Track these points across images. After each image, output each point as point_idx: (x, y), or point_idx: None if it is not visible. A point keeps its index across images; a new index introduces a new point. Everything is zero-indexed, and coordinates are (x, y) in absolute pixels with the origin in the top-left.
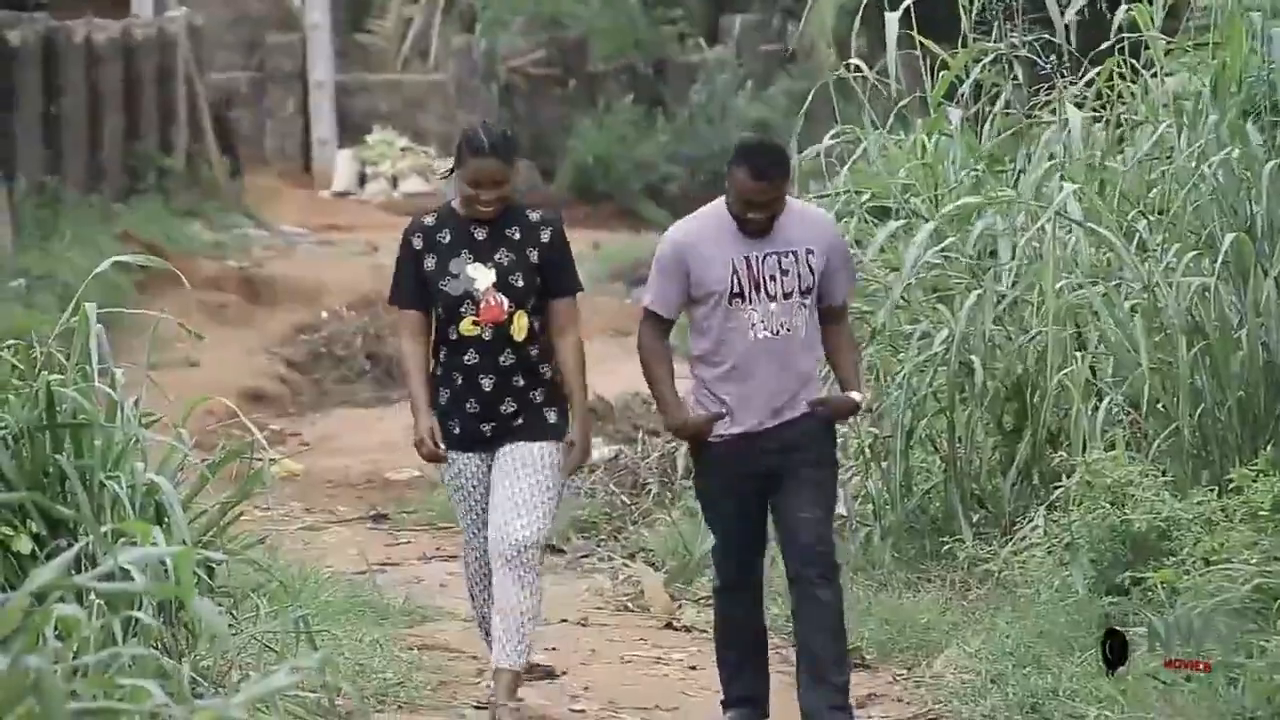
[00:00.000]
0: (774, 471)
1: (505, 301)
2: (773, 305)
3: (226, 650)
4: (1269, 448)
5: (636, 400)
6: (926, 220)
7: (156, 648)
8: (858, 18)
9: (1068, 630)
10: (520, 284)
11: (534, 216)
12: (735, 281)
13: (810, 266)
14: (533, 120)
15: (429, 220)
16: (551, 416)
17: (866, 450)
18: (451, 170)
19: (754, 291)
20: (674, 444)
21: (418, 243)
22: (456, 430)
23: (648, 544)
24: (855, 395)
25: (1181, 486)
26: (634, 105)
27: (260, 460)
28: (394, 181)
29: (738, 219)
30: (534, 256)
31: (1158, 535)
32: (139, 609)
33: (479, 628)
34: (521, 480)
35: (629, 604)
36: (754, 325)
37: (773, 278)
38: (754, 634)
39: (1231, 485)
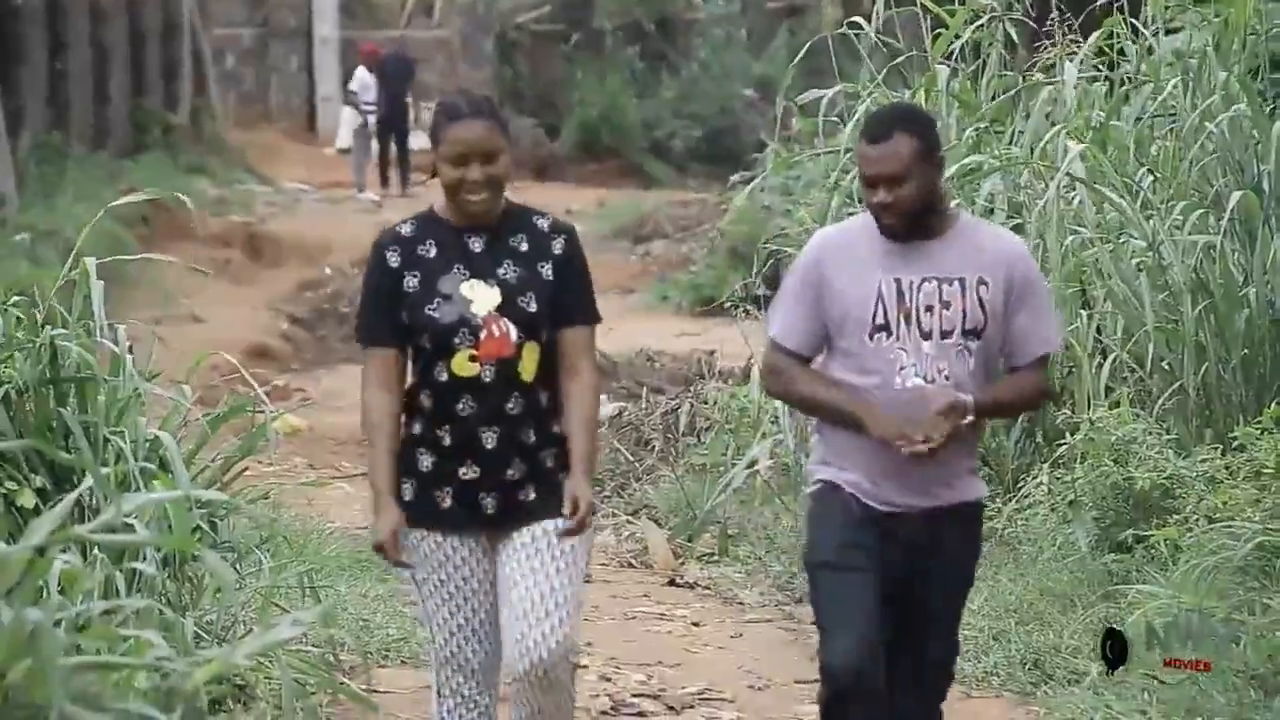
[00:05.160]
0: (910, 574)
1: (513, 330)
2: (926, 345)
3: (231, 604)
4: (1273, 405)
5: (640, 357)
6: None
7: (160, 603)
8: None
9: (1070, 588)
10: (533, 308)
11: (543, 224)
12: (880, 309)
13: (981, 301)
14: (536, 78)
15: (406, 229)
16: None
17: None
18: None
19: (903, 325)
20: (676, 401)
21: (393, 259)
22: (446, 504)
23: (651, 501)
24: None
25: (1185, 444)
26: (638, 62)
27: (263, 415)
28: None
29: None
30: (547, 272)
31: (1161, 493)
32: (142, 561)
33: None
34: (542, 576)
35: (633, 560)
36: (902, 369)
37: (929, 309)
38: None
39: (1235, 443)
